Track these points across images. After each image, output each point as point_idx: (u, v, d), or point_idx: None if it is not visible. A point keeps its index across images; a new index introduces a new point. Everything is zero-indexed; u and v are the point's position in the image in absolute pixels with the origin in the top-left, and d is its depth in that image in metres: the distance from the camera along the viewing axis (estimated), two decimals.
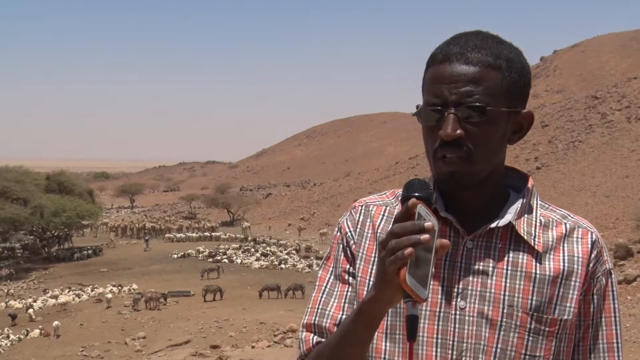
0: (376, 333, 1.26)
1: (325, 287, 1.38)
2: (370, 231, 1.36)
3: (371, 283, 1.22)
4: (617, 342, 1.31)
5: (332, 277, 1.39)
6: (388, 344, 1.29)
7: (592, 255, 1.29)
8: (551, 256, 1.28)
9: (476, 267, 1.26)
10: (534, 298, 1.25)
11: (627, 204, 26.76)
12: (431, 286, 1.25)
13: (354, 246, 1.37)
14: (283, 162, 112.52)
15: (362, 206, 1.41)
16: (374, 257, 1.33)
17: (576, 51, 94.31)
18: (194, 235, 44.88)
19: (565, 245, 1.29)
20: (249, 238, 42.47)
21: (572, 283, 1.27)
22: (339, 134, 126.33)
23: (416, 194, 1.09)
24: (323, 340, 1.32)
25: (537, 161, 41.07)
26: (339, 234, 1.41)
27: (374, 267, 1.30)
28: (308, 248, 36.14)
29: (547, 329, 1.25)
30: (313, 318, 1.35)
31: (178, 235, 44.90)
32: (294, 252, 35.37)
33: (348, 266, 1.37)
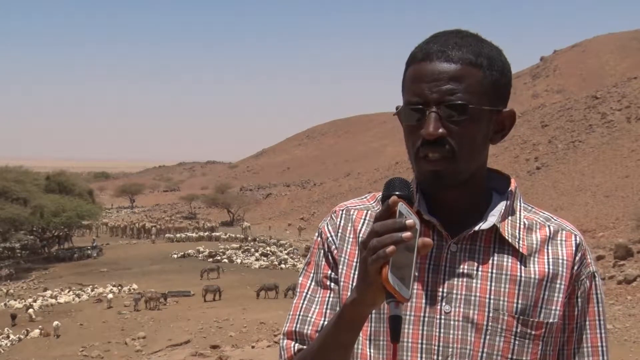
0: (361, 339, 1.25)
1: (306, 293, 1.35)
2: (351, 236, 1.34)
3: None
4: (602, 346, 1.30)
5: (313, 283, 1.35)
6: (372, 351, 1.27)
7: (577, 258, 1.28)
8: (536, 259, 1.26)
9: (460, 270, 1.25)
10: (520, 301, 1.23)
11: (627, 204, 26.73)
12: (415, 290, 1.22)
13: (335, 251, 1.34)
14: (283, 162, 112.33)
15: (342, 210, 1.38)
16: (357, 261, 1.30)
17: (576, 51, 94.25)
18: (194, 235, 44.89)
19: (550, 247, 1.28)
20: (249, 238, 42.49)
21: (557, 286, 1.26)
22: (339, 134, 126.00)
23: (397, 193, 1.07)
24: (305, 347, 1.29)
25: (537, 161, 41.04)
26: (319, 239, 1.38)
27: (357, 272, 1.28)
28: (308, 248, 36.13)
29: (533, 332, 1.23)
30: (294, 325, 1.32)
31: (178, 235, 44.92)
32: (291, 253, 35.38)
33: (329, 272, 1.34)
